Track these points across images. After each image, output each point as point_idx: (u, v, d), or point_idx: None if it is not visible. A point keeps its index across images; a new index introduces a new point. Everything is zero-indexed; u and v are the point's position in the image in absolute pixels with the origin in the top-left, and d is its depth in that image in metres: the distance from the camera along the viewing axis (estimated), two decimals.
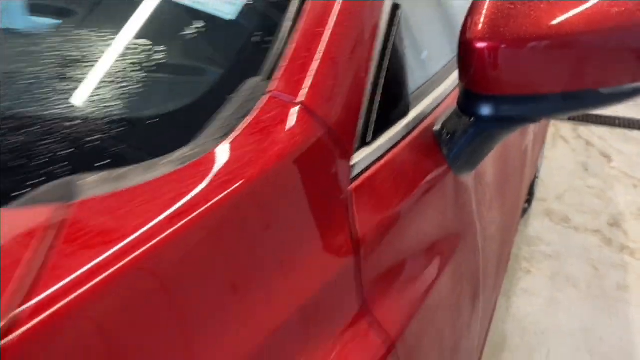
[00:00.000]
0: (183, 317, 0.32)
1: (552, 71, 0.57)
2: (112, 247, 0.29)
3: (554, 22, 0.57)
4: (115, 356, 0.29)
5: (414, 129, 0.59)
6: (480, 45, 0.56)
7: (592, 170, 2.87)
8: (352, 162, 0.47)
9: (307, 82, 0.44)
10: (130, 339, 0.29)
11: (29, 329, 0.25)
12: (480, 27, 0.56)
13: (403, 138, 0.56)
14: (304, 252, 0.40)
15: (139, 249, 0.30)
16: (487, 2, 0.57)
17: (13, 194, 0.33)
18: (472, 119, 0.60)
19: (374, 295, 0.44)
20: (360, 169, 0.48)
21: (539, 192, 2.67)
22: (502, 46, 0.56)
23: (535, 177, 2.53)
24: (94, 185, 0.33)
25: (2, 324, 0.25)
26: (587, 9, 0.58)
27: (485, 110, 0.58)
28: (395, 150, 0.54)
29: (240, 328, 0.35)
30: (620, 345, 1.70)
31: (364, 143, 0.50)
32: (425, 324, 0.51)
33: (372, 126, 0.52)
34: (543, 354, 1.68)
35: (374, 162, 0.50)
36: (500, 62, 0.56)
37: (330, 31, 0.47)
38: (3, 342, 0.24)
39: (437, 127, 0.63)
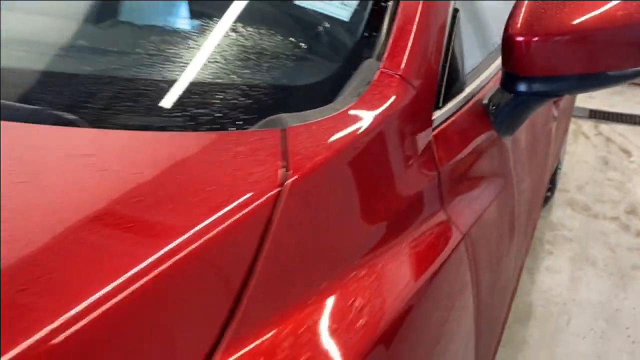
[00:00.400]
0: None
1: (572, 58, 0.77)
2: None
3: (574, 22, 0.77)
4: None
5: (468, 101, 0.80)
6: (519, 39, 0.77)
7: (612, 164, 3.04)
8: (433, 118, 0.68)
9: (404, 61, 0.65)
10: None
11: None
12: (519, 25, 0.77)
13: (462, 107, 0.78)
14: (410, 170, 0.62)
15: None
16: (524, 5, 0.78)
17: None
18: (512, 94, 0.81)
19: (449, 202, 0.66)
20: (436, 124, 0.70)
21: (561, 183, 2.84)
22: (535, 40, 0.77)
23: (558, 168, 2.71)
24: (292, 119, 0.55)
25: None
26: (599, 12, 0.78)
27: (522, 87, 0.79)
28: (458, 114, 0.75)
29: (372, 216, 0.57)
30: (634, 315, 1.89)
31: (437, 107, 0.71)
32: (482, 230, 0.71)
33: (442, 96, 0.73)
34: (564, 321, 1.87)
35: (444, 120, 0.72)
36: (533, 52, 0.77)
37: (416, 25, 0.69)
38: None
39: (485, 101, 0.84)
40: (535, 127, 1.21)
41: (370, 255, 0.54)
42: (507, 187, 0.85)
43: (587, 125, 3.54)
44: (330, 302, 0.47)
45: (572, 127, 3.37)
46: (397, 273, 0.55)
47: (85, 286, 0.36)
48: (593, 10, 0.78)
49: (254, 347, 0.41)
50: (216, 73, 0.65)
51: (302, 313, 0.45)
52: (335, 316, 0.47)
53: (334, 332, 0.45)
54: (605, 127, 3.49)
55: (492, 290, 0.86)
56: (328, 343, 0.45)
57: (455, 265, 0.64)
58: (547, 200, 2.62)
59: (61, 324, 0.34)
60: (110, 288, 0.36)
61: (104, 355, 0.35)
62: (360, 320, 0.47)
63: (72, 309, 0.35)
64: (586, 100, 3.61)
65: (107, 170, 0.49)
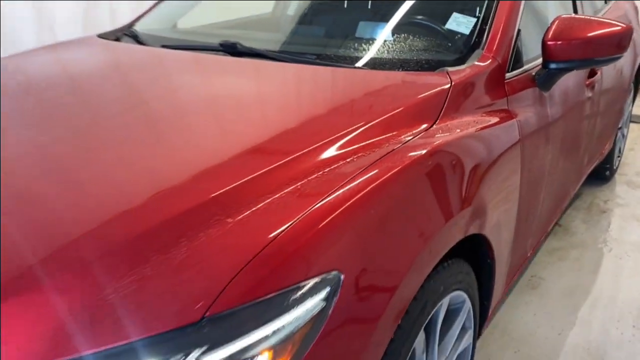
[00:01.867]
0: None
1: (576, 52, 1.61)
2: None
3: (579, 35, 1.61)
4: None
5: (525, 72, 1.66)
6: (550, 43, 1.61)
7: None
8: (506, 78, 1.55)
9: (494, 49, 1.53)
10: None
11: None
12: (551, 33, 1.61)
13: (520, 74, 1.63)
14: (495, 91, 1.48)
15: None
16: (555, 23, 1.62)
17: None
18: (546, 70, 1.65)
19: (514, 113, 1.51)
20: (507, 78, 1.56)
21: (621, 169, 3.53)
22: (558, 43, 1.61)
23: (618, 156, 3.40)
24: (450, 69, 1.44)
25: None
26: (593, 33, 1.61)
27: (552, 65, 1.63)
28: (519, 77, 1.61)
29: (479, 107, 1.44)
30: None
31: (508, 71, 1.57)
32: (531, 139, 1.56)
33: (510, 66, 1.59)
34: (614, 256, 2.59)
35: (511, 78, 1.58)
36: (556, 51, 1.61)
37: (500, 32, 1.56)
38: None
39: (533, 73, 1.69)
40: (568, 95, 2.01)
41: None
42: (540, 129, 1.68)
43: None
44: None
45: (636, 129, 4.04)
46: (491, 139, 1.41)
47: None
48: (597, 29, 1.61)
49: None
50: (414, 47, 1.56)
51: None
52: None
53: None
54: None
55: (536, 189, 1.69)
56: None
57: (513, 153, 1.48)
58: (607, 179, 3.33)
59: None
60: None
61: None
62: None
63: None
64: None
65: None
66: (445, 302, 1.20)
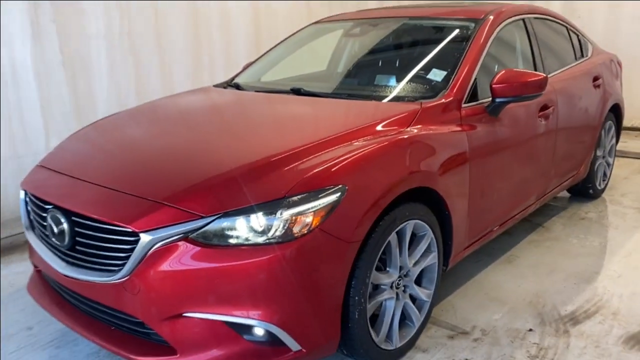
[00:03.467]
0: None
1: (512, 92, 2.58)
2: None
3: (520, 80, 2.58)
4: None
5: (478, 104, 2.64)
6: (495, 86, 2.60)
7: None
8: (462, 107, 2.53)
9: (455, 90, 2.53)
10: None
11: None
12: (496, 80, 2.59)
13: (474, 105, 2.61)
14: (451, 116, 2.48)
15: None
16: (500, 73, 2.59)
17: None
18: (493, 102, 2.63)
19: (467, 134, 2.48)
20: (464, 107, 2.54)
21: (609, 191, 4.35)
22: (505, 85, 2.58)
23: (604, 180, 4.23)
24: (423, 101, 2.45)
25: None
26: (529, 79, 2.60)
27: (497, 100, 2.60)
28: (473, 107, 2.59)
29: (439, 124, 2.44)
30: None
31: (465, 102, 2.56)
32: (477, 145, 2.52)
33: (467, 99, 2.58)
34: (577, 245, 3.42)
35: (466, 107, 2.55)
36: (498, 92, 2.59)
37: (467, 67, 2.58)
38: None
39: (485, 104, 2.66)
40: (517, 120, 2.94)
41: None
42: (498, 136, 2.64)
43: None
44: None
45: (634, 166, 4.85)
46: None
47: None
48: (522, 78, 2.59)
49: None
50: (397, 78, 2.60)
51: None
52: None
53: None
54: None
55: (488, 177, 2.66)
56: None
57: (459, 145, 2.45)
58: (593, 197, 4.16)
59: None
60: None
61: None
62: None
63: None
64: None
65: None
66: (410, 224, 2.17)
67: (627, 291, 2.81)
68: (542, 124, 3.10)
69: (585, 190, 4.09)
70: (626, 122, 6.74)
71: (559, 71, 3.45)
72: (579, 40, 3.96)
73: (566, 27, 3.83)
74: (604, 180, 4.29)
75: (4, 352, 2.40)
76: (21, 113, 3.58)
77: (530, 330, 2.48)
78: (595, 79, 3.82)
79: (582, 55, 3.93)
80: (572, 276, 2.99)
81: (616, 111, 4.24)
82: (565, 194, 4.24)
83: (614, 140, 4.36)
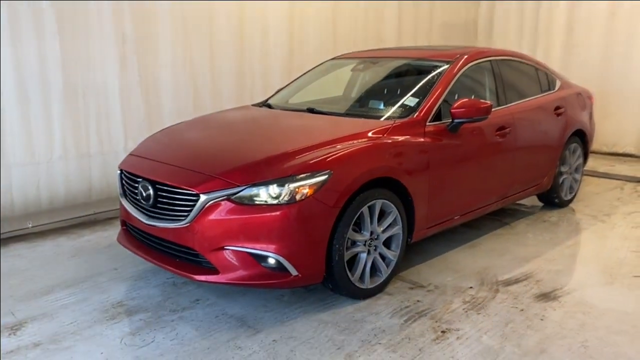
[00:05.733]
0: None
1: (467, 114, 3.55)
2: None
3: (472, 107, 3.56)
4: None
5: (442, 123, 3.60)
6: (453, 111, 3.57)
7: (623, 199, 5.31)
8: (427, 125, 3.51)
9: (423, 112, 3.52)
10: None
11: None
12: (455, 105, 3.56)
13: (439, 124, 3.58)
14: (417, 131, 3.46)
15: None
16: (460, 101, 3.57)
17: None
18: (452, 122, 3.59)
19: (429, 148, 3.45)
20: (428, 124, 3.52)
21: (576, 203, 5.20)
22: (460, 110, 3.56)
23: (571, 193, 5.10)
24: (395, 118, 3.45)
25: None
26: (479, 106, 3.58)
27: (455, 120, 3.57)
28: (436, 125, 3.56)
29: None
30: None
31: (430, 121, 3.53)
32: (436, 153, 3.48)
33: (431, 119, 3.55)
34: (532, 238, 4.31)
35: (431, 125, 3.53)
36: (456, 114, 3.56)
37: (435, 96, 3.58)
38: None
39: (446, 124, 3.62)
40: (474, 136, 3.88)
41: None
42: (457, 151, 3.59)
43: (628, 185, 5.80)
44: None
45: (615, 184, 5.68)
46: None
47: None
48: (474, 105, 3.57)
49: None
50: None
51: None
52: None
53: None
54: None
55: (446, 176, 3.63)
56: None
57: (419, 150, 3.42)
58: (559, 205, 5.03)
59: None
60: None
61: None
62: None
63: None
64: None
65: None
66: (379, 202, 3.16)
67: (554, 269, 3.71)
68: (500, 140, 4.04)
69: (552, 199, 4.97)
70: (617, 149, 7.61)
71: (520, 101, 4.39)
72: (547, 77, 4.88)
73: (534, 67, 4.77)
74: (570, 193, 5.14)
75: (98, 282, 3.48)
76: (108, 120, 4.75)
77: (471, 287, 3.41)
78: (557, 108, 4.72)
79: (549, 89, 4.84)
80: (518, 258, 3.90)
81: (582, 136, 5.11)
82: (539, 203, 5.13)
83: (580, 160, 5.21)
